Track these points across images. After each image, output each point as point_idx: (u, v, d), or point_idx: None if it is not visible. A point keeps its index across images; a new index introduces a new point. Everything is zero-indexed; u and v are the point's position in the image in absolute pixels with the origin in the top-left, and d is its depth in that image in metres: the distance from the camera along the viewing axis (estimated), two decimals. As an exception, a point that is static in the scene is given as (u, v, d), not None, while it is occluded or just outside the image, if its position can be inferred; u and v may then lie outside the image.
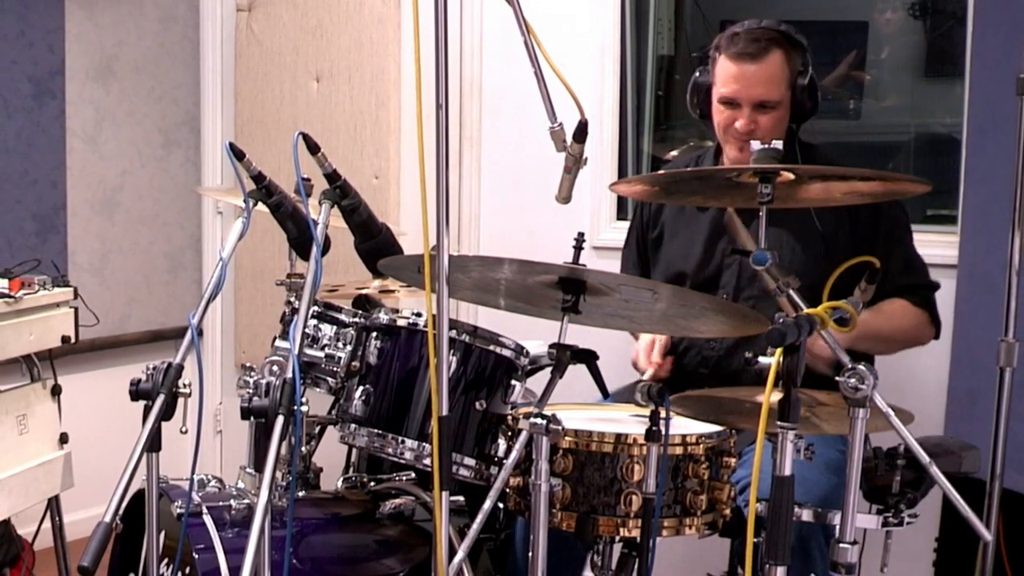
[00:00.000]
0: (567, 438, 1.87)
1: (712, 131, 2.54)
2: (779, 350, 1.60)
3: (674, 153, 3.38)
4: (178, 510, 2.01)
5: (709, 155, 2.64)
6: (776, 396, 1.61)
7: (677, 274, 2.58)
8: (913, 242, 2.48)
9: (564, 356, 1.88)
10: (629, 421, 2.04)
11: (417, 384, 2.11)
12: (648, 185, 2.20)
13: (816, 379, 2.04)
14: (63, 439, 2.84)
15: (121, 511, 1.51)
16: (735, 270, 2.50)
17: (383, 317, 2.17)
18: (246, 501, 2.10)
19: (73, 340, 2.81)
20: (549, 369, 1.88)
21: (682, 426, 1.95)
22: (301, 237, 2.11)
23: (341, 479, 2.47)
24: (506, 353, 2.12)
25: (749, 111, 2.39)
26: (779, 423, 1.60)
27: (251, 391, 1.66)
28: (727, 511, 1.95)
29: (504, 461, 1.90)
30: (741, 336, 2.32)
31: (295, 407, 1.60)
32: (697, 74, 2.51)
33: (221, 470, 3.98)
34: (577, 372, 1.96)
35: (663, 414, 1.83)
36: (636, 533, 1.86)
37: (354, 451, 2.59)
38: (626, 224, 3.25)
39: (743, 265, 2.47)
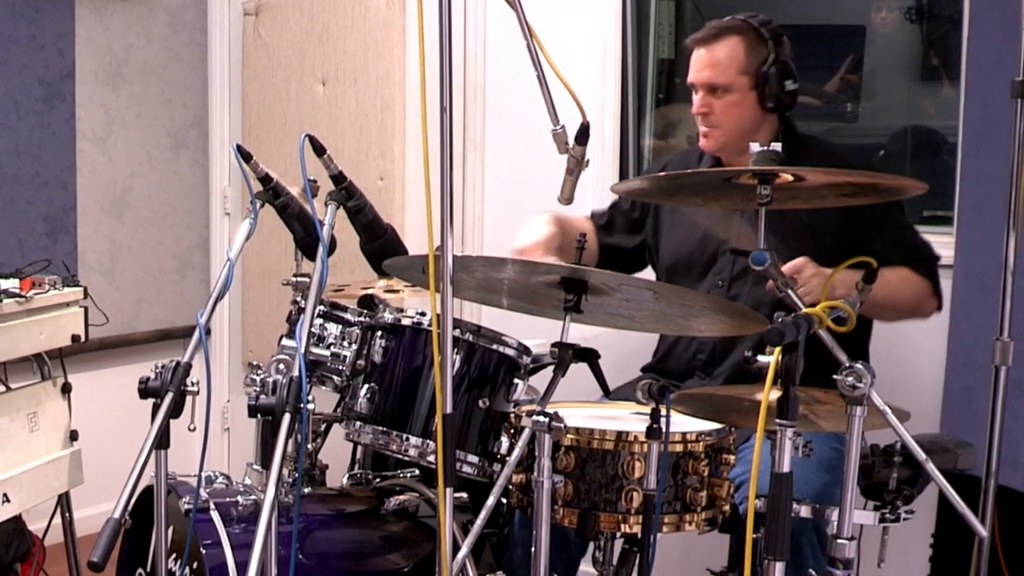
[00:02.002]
0: (569, 435, 1.89)
1: None
2: (778, 349, 1.63)
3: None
4: (186, 506, 2.02)
5: (694, 154, 2.65)
6: (775, 394, 1.63)
7: (674, 262, 2.61)
8: (907, 218, 2.48)
9: (566, 355, 1.90)
10: (630, 419, 2.06)
11: (421, 382, 2.12)
12: (648, 185, 2.22)
13: (815, 378, 2.06)
14: (73, 436, 2.85)
15: (130, 507, 1.53)
16: (730, 257, 2.51)
17: (388, 316, 2.19)
18: (253, 497, 2.12)
19: (83, 339, 2.83)
20: (551, 368, 1.90)
21: (682, 424, 1.97)
22: (307, 238, 2.13)
23: (346, 476, 2.49)
24: (509, 352, 2.14)
25: (703, 93, 2.45)
26: (778, 420, 1.62)
27: (258, 389, 1.69)
28: (726, 507, 1.97)
29: (507, 458, 1.92)
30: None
31: (301, 405, 1.63)
32: None
33: (228, 467, 3.99)
34: (579, 371, 1.98)
35: (663, 412, 1.85)
36: (637, 529, 1.88)
37: (359, 448, 2.60)
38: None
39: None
